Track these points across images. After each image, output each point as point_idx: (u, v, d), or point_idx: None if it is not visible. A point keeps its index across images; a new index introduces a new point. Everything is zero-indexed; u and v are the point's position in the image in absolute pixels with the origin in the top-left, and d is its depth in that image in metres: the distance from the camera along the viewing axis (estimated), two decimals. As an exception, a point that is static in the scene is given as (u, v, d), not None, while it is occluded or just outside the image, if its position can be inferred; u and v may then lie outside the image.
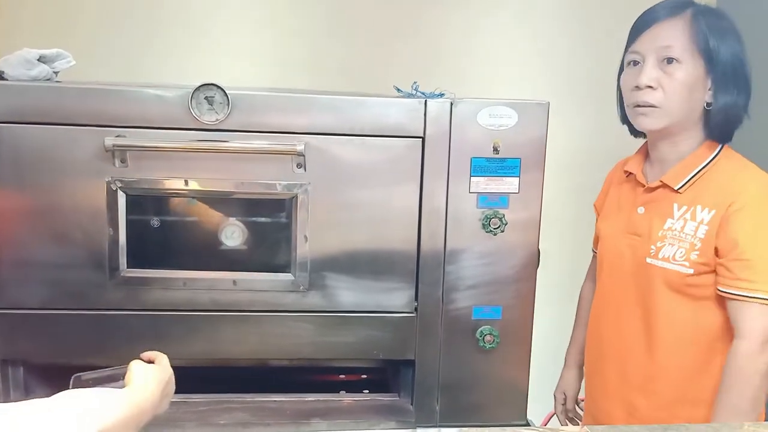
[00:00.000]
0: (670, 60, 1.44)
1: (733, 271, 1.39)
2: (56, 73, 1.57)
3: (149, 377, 1.06)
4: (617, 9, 2.35)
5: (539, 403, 1.96)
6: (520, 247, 1.57)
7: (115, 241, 1.49)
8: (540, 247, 1.60)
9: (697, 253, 1.42)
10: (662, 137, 1.51)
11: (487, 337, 1.58)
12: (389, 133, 1.51)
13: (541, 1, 2.37)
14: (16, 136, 1.44)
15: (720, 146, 1.51)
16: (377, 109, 1.51)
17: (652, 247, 1.48)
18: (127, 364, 1.10)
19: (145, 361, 1.13)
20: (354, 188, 1.53)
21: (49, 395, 0.90)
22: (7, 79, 1.48)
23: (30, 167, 1.45)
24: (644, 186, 1.55)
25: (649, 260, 1.48)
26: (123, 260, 1.50)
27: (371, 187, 1.53)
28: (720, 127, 1.48)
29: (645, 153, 1.62)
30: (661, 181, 1.51)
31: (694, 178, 1.47)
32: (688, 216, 1.45)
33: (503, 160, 1.54)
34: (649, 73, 1.45)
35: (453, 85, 1.63)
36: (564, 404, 1.89)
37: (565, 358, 1.93)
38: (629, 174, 1.62)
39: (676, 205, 1.48)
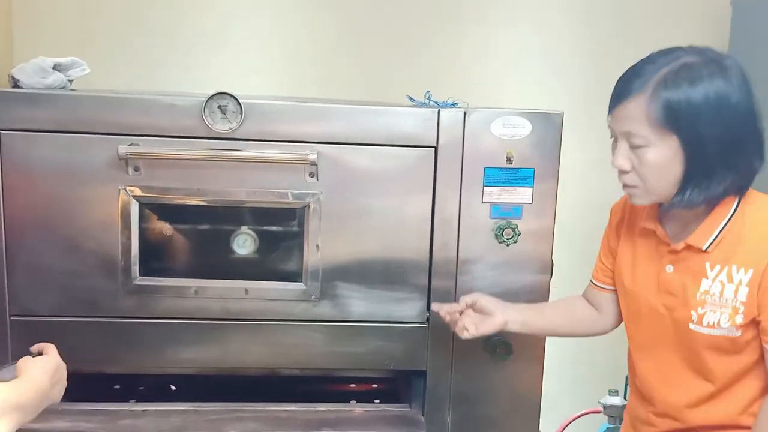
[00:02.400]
0: (637, 145, 1.32)
1: None
2: (71, 81, 1.58)
3: (35, 367, 1.15)
4: (629, 21, 2.34)
5: (552, 413, 1.94)
6: (534, 257, 1.56)
7: (127, 249, 1.49)
8: (553, 258, 1.59)
9: (742, 316, 1.35)
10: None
11: (500, 348, 1.56)
12: (402, 142, 1.51)
13: (555, 16, 2.37)
14: (30, 143, 1.44)
15: (738, 197, 1.42)
16: (390, 119, 1.51)
17: (694, 313, 1.37)
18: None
19: (34, 353, 1.23)
20: (366, 197, 1.52)
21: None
22: (22, 87, 1.49)
23: (43, 175, 1.46)
24: (668, 245, 1.46)
25: (692, 326, 1.40)
26: (135, 268, 1.50)
27: (383, 197, 1.52)
28: (734, 183, 1.33)
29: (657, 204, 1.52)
30: (686, 243, 1.43)
31: (721, 235, 1.38)
32: (723, 278, 1.35)
33: (516, 170, 1.53)
34: (620, 160, 1.34)
35: (465, 95, 1.62)
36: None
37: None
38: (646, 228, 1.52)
39: (708, 265, 1.37)
